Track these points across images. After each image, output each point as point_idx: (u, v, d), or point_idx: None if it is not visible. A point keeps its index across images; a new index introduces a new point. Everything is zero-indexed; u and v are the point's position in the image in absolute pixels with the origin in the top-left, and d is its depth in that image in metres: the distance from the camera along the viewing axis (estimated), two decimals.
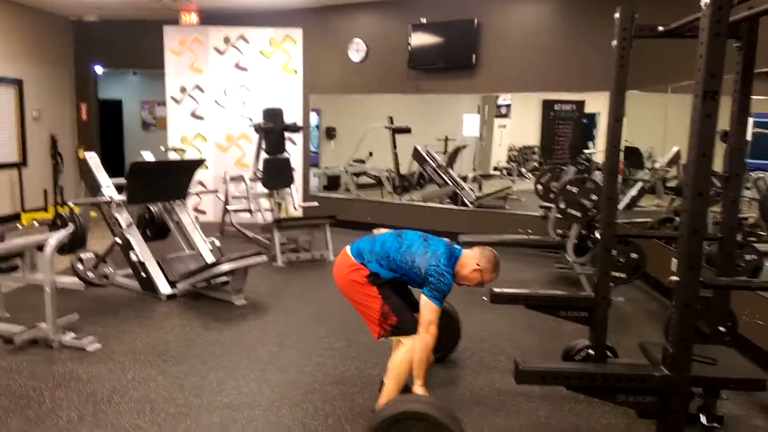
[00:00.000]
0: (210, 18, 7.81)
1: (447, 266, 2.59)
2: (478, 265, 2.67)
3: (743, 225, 4.24)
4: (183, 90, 7.82)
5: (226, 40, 7.74)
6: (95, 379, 3.06)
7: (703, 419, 2.52)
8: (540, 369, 2.10)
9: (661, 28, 2.83)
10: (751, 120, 4.37)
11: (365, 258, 2.66)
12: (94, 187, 4.76)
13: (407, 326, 2.59)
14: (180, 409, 2.78)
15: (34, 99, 8.02)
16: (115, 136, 10.94)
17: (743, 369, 2.48)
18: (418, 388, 2.61)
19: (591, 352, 3.03)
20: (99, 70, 8.98)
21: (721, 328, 2.94)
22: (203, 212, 7.84)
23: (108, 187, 4.74)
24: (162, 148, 7.31)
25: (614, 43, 2.86)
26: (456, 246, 2.75)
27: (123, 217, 4.66)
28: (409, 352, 2.56)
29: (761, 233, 4.30)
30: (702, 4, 1.95)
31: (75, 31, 8.71)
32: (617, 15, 2.86)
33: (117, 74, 10.54)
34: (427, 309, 2.54)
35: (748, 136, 4.29)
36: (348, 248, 2.74)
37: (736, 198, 2.83)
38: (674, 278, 2.02)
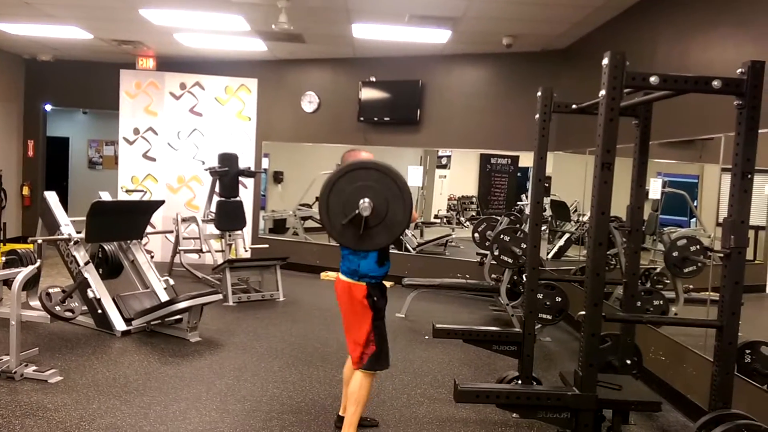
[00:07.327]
0: (167, 64, 8.08)
1: None
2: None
3: (651, 274, 4.84)
4: (136, 131, 8.00)
5: (182, 86, 8.02)
6: (62, 408, 3.20)
7: None
8: (475, 389, 2.48)
9: (574, 106, 3.40)
10: (660, 180, 5.07)
11: (356, 266, 2.80)
12: (52, 225, 4.88)
13: (380, 361, 2.82)
14: None
15: None
16: (61, 174, 10.85)
17: (643, 393, 2.95)
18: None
19: (519, 381, 3.46)
20: (48, 107, 9.03)
21: (628, 361, 3.44)
22: (151, 252, 7.91)
23: (67, 225, 4.88)
24: (122, 189, 7.44)
25: (537, 116, 3.41)
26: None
27: (80, 255, 4.79)
28: (365, 379, 2.81)
29: (667, 281, 4.91)
30: (600, 94, 2.47)
31: (27, 69, 8.79)
32: (539, 93, 3.43)
33: (66, 112, 10.53)
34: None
35: (658, 195, 4.98)
36: (340, 274, 2.90)
37: (637, 249, 3.36)
38: (582, 313, 2.48)
